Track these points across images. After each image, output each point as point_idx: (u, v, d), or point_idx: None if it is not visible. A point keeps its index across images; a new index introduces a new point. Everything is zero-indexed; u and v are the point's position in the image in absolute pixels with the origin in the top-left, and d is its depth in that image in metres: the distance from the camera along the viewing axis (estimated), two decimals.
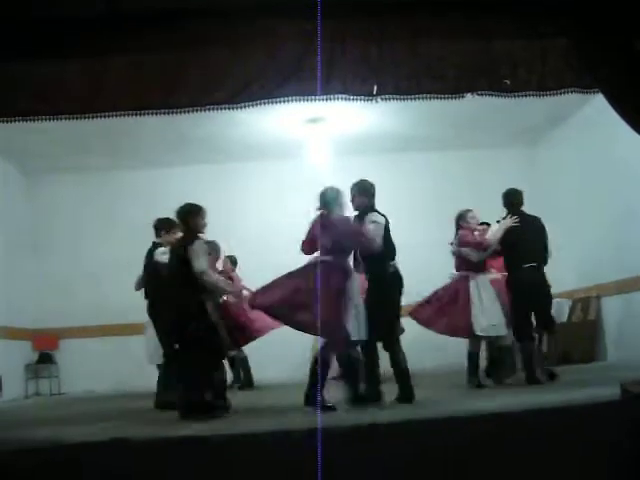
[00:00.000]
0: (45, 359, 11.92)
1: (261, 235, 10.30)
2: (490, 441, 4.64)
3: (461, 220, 7.93)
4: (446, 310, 7.68)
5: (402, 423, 4.99)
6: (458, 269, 7.92)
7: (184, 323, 6.28)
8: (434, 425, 4.89)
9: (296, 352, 10.37)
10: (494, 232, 7.83)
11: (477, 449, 4.54)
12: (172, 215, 6.88)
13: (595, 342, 10.25)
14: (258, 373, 9.56)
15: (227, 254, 9.29)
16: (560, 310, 10.79)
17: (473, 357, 7.64)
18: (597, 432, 4.62)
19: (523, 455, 4.53)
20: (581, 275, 10.70)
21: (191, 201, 6.75)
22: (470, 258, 7.75)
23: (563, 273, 9.89)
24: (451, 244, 7.99)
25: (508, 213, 7.65)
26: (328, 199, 6.41)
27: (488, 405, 5.64)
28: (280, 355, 9.83)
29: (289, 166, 11.99)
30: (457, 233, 7.92)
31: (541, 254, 7.64)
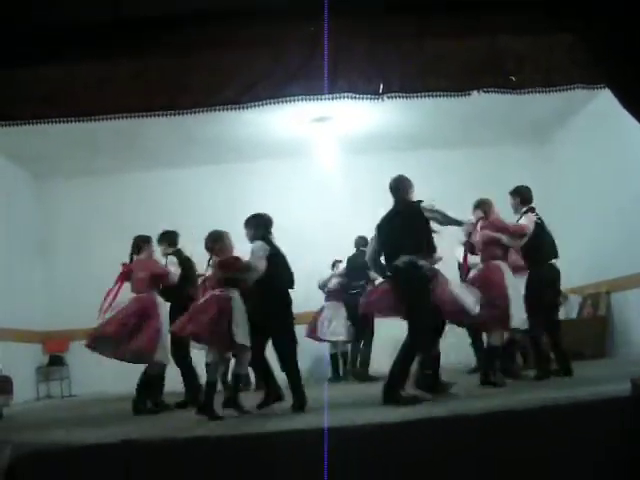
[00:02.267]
0: (56, 361, 11.97)
1: None
2: (500, 437, 4.64)
3: (485, 206, 7.62)
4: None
5: (411, 422, 4.99)
6: (487, 258, 7.42)
7: None
8: (444, 423, 4.88)
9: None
10: (529, 222, 7.55)
11: (487, 445, 4.55)
12: None
13: (605, 338, 10.22)
14: None
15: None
16: (570, 306, 10.78)
17: (496, 351, 7.30)
18: (608, 428, 4.62)
19: (533, 451, 4.53)
20: (591, 271, 10.67)
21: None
22: (510, 245, 7.43)
23: (573, 269, 9.86)
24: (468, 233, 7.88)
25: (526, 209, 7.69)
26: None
27: (498, 401, 5.62)
28: None
29: (296, 165, 12.01)
30: (480, 219, 7.54)
31: (556, 251, 7.66)
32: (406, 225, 6.60)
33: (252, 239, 6.79)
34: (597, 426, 4.65)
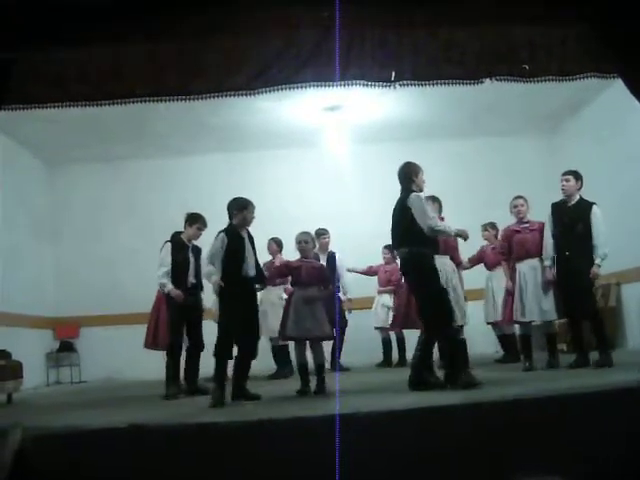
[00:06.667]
0: (66, 347, 12.01)
1: (277, 223, 10.33)
2: (509, 426, 4.64)
3: None
4: None
5: (420, 409, 4.99)
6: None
7: None
8: (457, 411, 4.88)
9: None
10: None
11: (495, 433, 4.54)
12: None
13: (615, 329, 10.18)
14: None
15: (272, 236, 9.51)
16: None
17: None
18: (616, 417, 4.61)
19: (543, 440, 4.52)
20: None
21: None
22: None
23: None
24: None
25: None
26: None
27: (507, 391, 5.61)
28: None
29: (307, 154, 11.99)
30: None
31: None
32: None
33: None
34: (606, 415, 4.64)
